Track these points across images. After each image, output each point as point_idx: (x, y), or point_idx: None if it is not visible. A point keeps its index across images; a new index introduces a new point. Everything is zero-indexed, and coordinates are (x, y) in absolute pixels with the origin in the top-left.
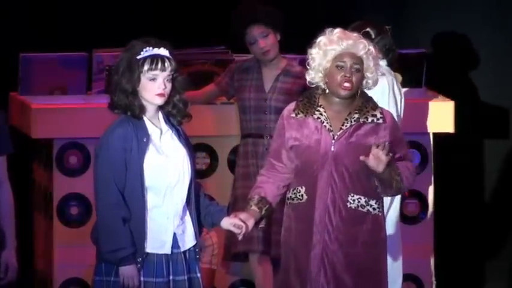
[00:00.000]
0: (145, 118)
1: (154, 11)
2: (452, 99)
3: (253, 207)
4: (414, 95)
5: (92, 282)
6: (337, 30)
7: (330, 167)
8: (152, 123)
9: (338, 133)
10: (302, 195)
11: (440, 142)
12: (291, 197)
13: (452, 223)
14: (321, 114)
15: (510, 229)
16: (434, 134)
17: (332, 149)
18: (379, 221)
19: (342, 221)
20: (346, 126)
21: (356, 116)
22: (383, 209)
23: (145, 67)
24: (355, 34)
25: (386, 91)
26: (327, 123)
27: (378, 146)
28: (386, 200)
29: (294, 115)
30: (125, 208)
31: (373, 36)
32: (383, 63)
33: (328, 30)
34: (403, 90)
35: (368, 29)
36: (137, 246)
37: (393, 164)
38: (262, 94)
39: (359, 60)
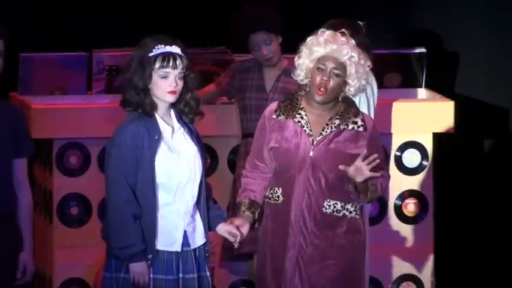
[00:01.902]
0: (157, 116)
1: (154, 11)
2: (452, 99)
3: (247, 213)
4: (414, 95)
5: (102, 278)
6: (328, 33)
7: (307, 172)
8: (164, 120)
9: (318, 138)
10: (278, 196)
11: (440, 142)
12: (268, 196)
13: (452, 223)
14: (301, 117)
15: (510, 229)
16: (434, 134)
17: (310, 154)
18: (356, 224)
19: (317, 225)
20: (326, 132)
21: (337, 121)
22: (361, 213)
23: (157, 64)
24: (343, 39)
25: None
26: (307, 127)
27: (364, 159)
28: None
29: (275, 116)
30: (136, 205)
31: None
32: None
33: (320, 31)
34: (404, 90)
35: (343, 30)
36: (148, 243)
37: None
38: (264, 94)
39: (341, 66)
